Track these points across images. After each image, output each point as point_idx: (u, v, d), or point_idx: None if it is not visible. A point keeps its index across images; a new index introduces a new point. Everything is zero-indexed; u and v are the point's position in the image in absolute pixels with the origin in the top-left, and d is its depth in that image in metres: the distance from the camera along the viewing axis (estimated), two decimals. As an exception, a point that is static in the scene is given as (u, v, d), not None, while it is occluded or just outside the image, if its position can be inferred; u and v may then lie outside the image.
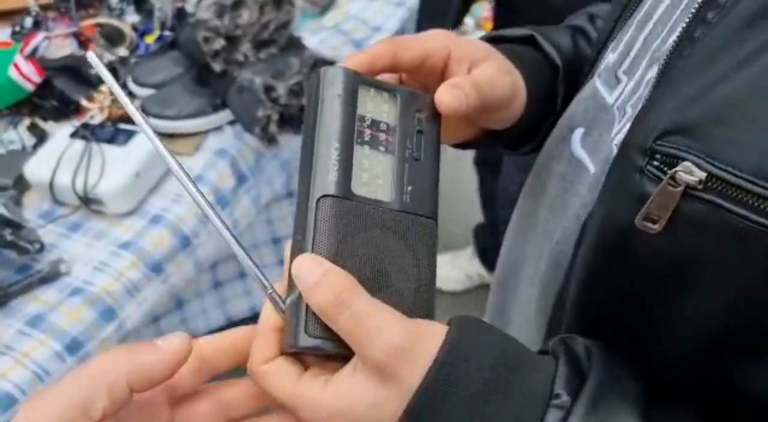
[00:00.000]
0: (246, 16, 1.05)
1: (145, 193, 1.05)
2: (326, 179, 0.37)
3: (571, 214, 0.44)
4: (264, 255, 1.51)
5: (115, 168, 1.01)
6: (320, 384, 0.36)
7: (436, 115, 0.42)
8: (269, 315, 0.38)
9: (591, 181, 0.44)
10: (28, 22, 1.34)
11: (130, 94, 1.21)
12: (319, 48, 1.26)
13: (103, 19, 1.34)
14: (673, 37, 0.37)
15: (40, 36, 1.24)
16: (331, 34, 1.41)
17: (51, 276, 0.95)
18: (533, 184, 0.53)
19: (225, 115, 1.14)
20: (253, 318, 1.55)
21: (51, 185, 1.02)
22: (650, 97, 0.37)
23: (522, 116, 0.50)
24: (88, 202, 1.01)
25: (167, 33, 1.33)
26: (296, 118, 1.09)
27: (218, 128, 1.16)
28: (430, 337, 0.35)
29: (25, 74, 1.14)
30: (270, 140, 1.07)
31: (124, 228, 1.02)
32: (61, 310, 0.92)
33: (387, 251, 0.38)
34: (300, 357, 0.38)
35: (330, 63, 1.12)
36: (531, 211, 0.53)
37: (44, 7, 1.37)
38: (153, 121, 1.12)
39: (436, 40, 0.44)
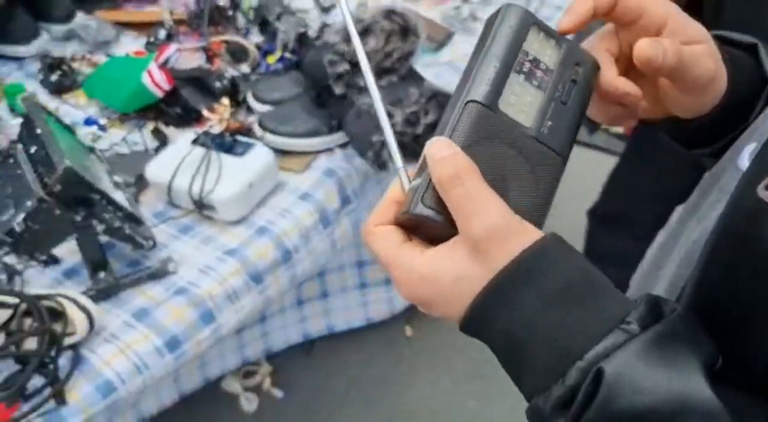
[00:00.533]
0: (372, 43, 1.08)
1: (254, 204, 1.08)
2: (478, 88, 0.41)
3: (714, 216, 0.44)
4: (347, 277, 1.52)
5: (231, 177, 1.05)
6: (418, 251, 0.40)
7: (593, 74, 0.45)
8: (394, 190, 0.42)
9: None
10: (162, 34, 1.43)
11: (249, 110, 1.26)
12: (433, 82, 1.27)
13: (229, 37, 1.41)
14: None
15: (173, 47, 1.31)
16: (445, 70, 1.42)
17: (159, 274, 0.99)
18: (694, 201, 0.52)
19: (338, 137, 1.16)
20: (330, 336, 1.58)
21: (169, 187, 1.06)
22: None
23: (711, 113, 0.49)
24: (201, 206, 1.04)
25: (288, 55, 1.38)
26: (408, 146, 1.10)
27: (329, 149, 1.18)
28: (529, 233, 0.38)
29: (156, 81, 1.21)
30: (380, 165, 1.08)
31: (231, 235, 1.05)
32: (166, 307, 0.95)
33: (513, 167, 0.41)
34: (410, 231, 0.42)
35: (448, 97, 1.13)
36: (681, 220, 0.51)
37: (177, 22, 1.46)
38: (269, 135, 1.16)
39: (657, 4, 0.45)
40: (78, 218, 0.88)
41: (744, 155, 0.45)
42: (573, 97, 0.44)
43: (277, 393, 1.58)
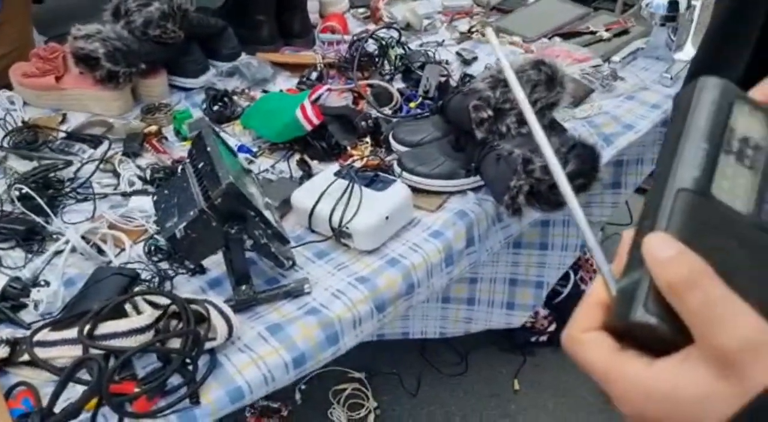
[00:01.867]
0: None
1: (388, 236, 1.11)
2: (688, 174, 0.37)
3: None
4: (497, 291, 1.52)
5: (370, 209, 1.09)
6: (643, 362, 0.34)
7: None
8: (598, 290, 0.37)
9: None
10: (314, 75, 1.54)
11: (388, 149, 1.32)
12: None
13: (375, 81, 1.49)
14: None
15: (325, 87, 1.40)
16: (581, 125, 1.42)
17: (295, 292, 1.04)
18: None
19: (472, 180, 1.19)
20: (436, 382, 1.57)
21: (311, 213, 1.12)
22: None
23: None
24: (339, 234, 1.09)
25: (428, 102, 1.44)
26: (543, 195, 1.10)
27: (462, 191, 1.21)
28: None
29: (307, 116, 1.30)
30: (515, 211, 1.08)
31: (364, 264, 1.09)
32: (297, 325, 0.99)
33: (735, 262, 0.36)
34: (622, 337, 0.36)
35: (589, 148, 1.13)
36: None
37: (327, 65, 1.57)
38: (406, 175, 1.20)
39: None
40: (232, 231, 0.95)
41: None
42: None
43: (381, 432, 1.58)
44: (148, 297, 0.97)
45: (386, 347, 1.60)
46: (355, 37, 1.60)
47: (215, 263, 1.09)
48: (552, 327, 1.71)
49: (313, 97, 1.35)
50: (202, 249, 0.99)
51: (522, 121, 1.14)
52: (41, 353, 0.91)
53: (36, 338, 0.92)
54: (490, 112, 1.12)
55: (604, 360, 0.35)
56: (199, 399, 0.89)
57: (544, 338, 1.70)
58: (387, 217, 1.09)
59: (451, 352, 1.65)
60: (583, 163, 1.10)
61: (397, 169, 1.22)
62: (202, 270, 1.09)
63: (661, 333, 0.34)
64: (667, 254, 0.34)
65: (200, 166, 0.98)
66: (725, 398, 0.31)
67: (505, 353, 1.69)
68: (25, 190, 1.18)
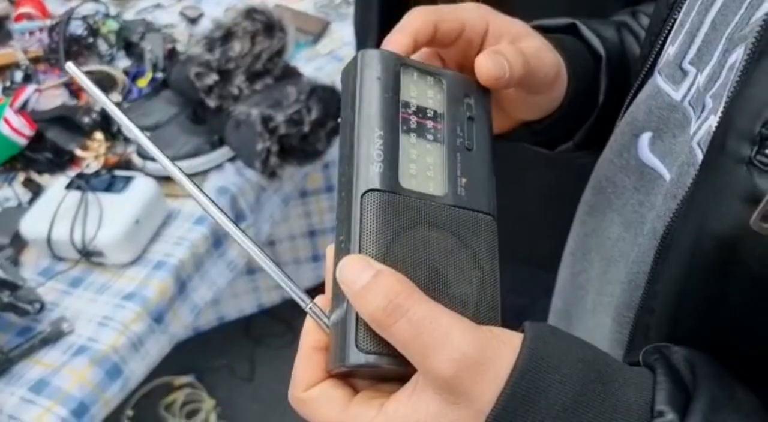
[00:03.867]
0: (237, 47, 1.02)
1: (146, 240, 1.00)
2: (370, 171, 0.33)
3: (647, 230, 0.38)
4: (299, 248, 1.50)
5: (114, 217, 0.97)
6: (375, 408, 0.31)
7: (486, 100, 0.38)
8: (311, 334, 0.33)
9: (668, 188, 0.37)
10: (18, 76, 1.32)
11: (126, 140, 1.17)
12: (316, 75, 1.22)
13: (93, 67, 1.31)
14: (761, 14, 0.32)
15: (30, 88, 1.21)
16: (327, 61, 1.37)
17: (53, 337, 0.90)
18: (595, 202, 0.46)
19: (224, 152, 1.10)
20: (272, 361, 1.53)
21: (48, 240, 0.97)
22: (743, 80, 0.31)
23: (561, 105, 0.45)
24: (87, 254, 0.96)
25: (159, 75, 1.30)
26: (298, 149, 1.04)
27: (218, 166, 1.12)
28: (503, 346, 0.29)
29: (15, 128, 1.11)
30: (271, 174, 1.02)
31: (127, 278, 0.98)
32: (66, 372, 0.87)
33: (443, 252, 0.33)
34: (350, 379, 0.33)
35: (329, 89, 1.08)
36: (595, 231, 0.46)
37: (34, 60, 1.35)
38: (150, 164, 1.08)
39: (472, 11, 0.40)
40: (-61, 298, 0.78)
41: (643, 147, 0.41)
42: (477, 138, 0.36)
43: (226, 426, 1.51)
44: None
45: (209, 340, 1.51)
46: (56, 20, 1.39)
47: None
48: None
49: (17, 103, 1.16)
50: None
51: (253, 76, 1.06)
52: None
53: None
54: (215, 77, 1.03)
55: (337, 419, 0.31)
56: None
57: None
58: (137, 220, 0.98)
59: (276, 324, 1.59)
60: (328, 104, 1.05)
61: (139, 161, 1.09)
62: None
63: (384, 370, 0.31)
64: (362, 282, 0.30)
65: None
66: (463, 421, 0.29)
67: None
68: None
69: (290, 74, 1.09)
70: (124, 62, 1.36)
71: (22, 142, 1.12)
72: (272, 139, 0.99)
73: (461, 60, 0.41)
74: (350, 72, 0.36)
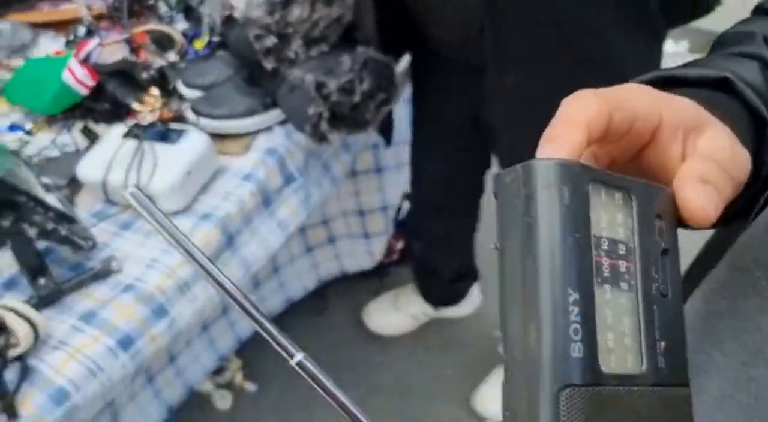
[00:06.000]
0: (297, 12, 1.05)
1: (195, 191, 1.04)
2: (567, 358, 0.25)
3: None
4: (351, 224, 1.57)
5: (167, 166, 1.01)
6: None
7: (674, 221, 0.30)
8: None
9: None
10: (81, 31, 1.37)
11: (180, 97, 1.22)
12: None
13: (153, 26, 1.36)
14: None
15: (93, 42, 1.26)
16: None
17: (103, 274, 0.95)
18: (734, 282, 0.37)
19: (276, 114, 1.13)
20: (293, 325, 1.57)
21: (103, 184, 1.02)
22: None
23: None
24: (140, 199, 1.00)
25: (216, 38, 1.34)
26: (348, 117, 1.07)
27: (268, 128, 1.15)
28: None
29: (79, 78, 1.16)
30: (321, 138, 1.05)
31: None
32: (113, 307, 0.91)
33: None
34: None
35: (382, 63, 1.11)
36: (729, 311, 0.37)
37: (97, 17, 1.40)
38: (203, 120, 1.12)
39: (644, 98, 0.31)
40: (6, 223, 0.83)
41: None
42: (671, 278, 0.29)
43: (251, 387, 1.55)
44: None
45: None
46: (120, -19, 1.44)
47: (7, 264, 0.96)
48: (400, 245, 1.74)
49: (81, 55, 1.21)
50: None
51: (309, 43, 1.09)
52: None
53: None
54: (273, 40, 1.06)
55: None
56: (16, 412, 0.80)
57: (395, 257, 1.73)
58: (188, 172, 1.02)
59: (308, 295, 1.64)
60: (379, 77, 1.08)
61: (193, 117, 1.13)
62: (-8, 274, 0.96)
63: None
64: None
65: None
66: None
67: (362, 281, 1.71)
68: None
69: (345, 44, 1.12)
70: (182, 25, 1.40)
71: (84, 92, 1.17)
72: (324, 105, 1.02)
73: (618, 156, 0.33)
74: (516, 189, 0.27)
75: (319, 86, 1.03)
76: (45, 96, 1.18)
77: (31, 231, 0.88)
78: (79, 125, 1.19)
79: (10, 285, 0.95)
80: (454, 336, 1.67)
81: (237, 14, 1.39)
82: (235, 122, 1.12)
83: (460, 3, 1.00)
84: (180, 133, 1.05)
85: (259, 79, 1.12)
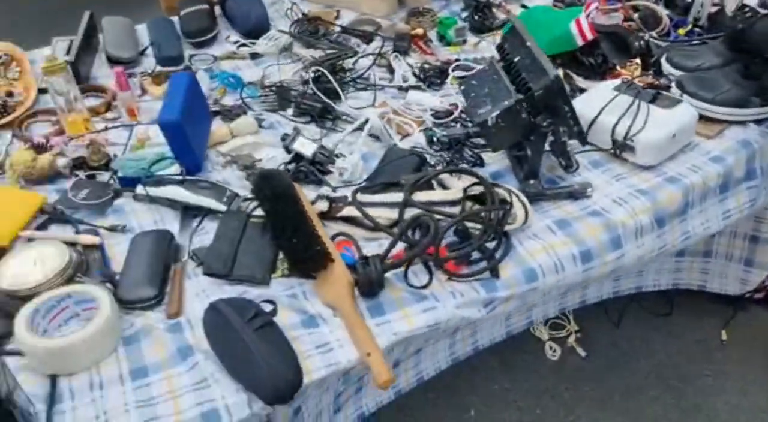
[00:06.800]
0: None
1: (669, 154, 1.13)
2: None
3: None
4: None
5: (656, 125, 1.10)
6: None
7: None
8: None
9: None
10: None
11: (656, 73, 1.30)
12: None
13: (642, 2, 1.47)
14: None
15: (594, 4, 1.40)
16: None
17: (577, 194, 1.08)
18: None
19: (759, 111, 1.16)
20: (639, 320, 1.58)
21: (591, 124, 1.15)
22: None
23: None
24: (622, 147, 1.12)
25: (697, 29, 1.40)
26: None
27: (742, 122, 1.19)
28: None
29: (582, 30, 1.31)
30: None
31: (641, 179, 1.11)
32: (582, 223, 1.04)
33: None
34: None
35: None
36: None
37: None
38: (687, 99, 1.19)
39: None
40: (544, 124, 1.00)
41: None
42: None
43: (581, 351, 1.63)
44: (441, 177, 1.05)
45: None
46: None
47: (492, 158, 1.15)
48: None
49: (589, 11, 1.36)
50: (505, 138, 1.05)
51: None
52: (357, 212, 1.02)
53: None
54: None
55: None
56: (498, 274, 0.97)
57: (760, 295, 1.65)
58: (674, 135, 1.10)
59: (655, 294, 1.65)
60: None
61: (676, 91, 1.21)
62: (482, 163, 1.16)
63: None
64: None
65: (516, 59, 1.03)
66: None
67: (714, 303, 1.67)
68: (321, 71, 1.29)
69: None
70: (664, 10, 1.49)
71: (580, 42, 1.32)
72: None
73: None
74: None
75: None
76: (545, 37, 1.35)
77: (549, 139, 1.03)
78: (560, 71, 1.34)
79: (494, 177, 1.14)
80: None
81: (727, 11, 1.43)
82: (719, 108, 1.17)
83: None
84: (673, 101, 1.14)
85: (759, 74, 1.16)
